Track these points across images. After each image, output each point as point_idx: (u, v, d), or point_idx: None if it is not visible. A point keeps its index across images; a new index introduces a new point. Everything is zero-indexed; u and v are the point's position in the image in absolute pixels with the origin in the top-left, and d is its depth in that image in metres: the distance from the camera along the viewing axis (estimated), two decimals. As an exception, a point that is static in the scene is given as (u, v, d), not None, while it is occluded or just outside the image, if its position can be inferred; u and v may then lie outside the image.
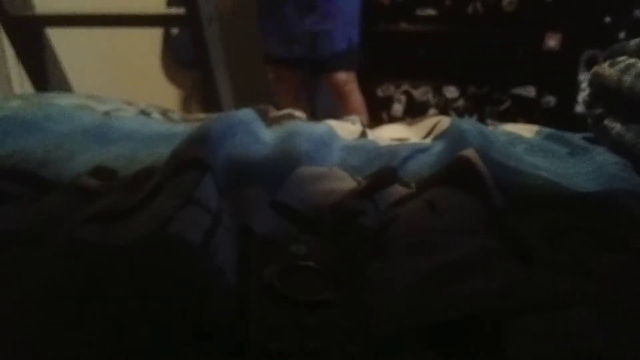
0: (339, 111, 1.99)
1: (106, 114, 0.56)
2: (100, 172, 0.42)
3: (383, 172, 0.44)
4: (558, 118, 2.14)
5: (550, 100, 2.25)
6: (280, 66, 2.00)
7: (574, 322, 0.24)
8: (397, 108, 2.41)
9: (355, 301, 0.28)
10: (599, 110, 0.54)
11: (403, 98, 2.40)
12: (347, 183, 0.42)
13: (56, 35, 1.10)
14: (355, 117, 0.67)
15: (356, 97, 2.00)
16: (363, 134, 0.59)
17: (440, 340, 0.25)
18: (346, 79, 1.95)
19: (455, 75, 2.33)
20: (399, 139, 0.56)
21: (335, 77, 1.95)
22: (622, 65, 0.51)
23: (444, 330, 0.25)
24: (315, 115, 2.12)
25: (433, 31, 2.29)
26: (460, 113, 2.32)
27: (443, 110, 2.33)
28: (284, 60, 1.96)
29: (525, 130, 0.57)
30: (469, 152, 0.40)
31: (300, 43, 1.85)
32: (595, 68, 0.57)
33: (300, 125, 0.54)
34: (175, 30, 2.24)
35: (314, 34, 1.83)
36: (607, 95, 0.53)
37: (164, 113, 0.66)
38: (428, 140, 0.55)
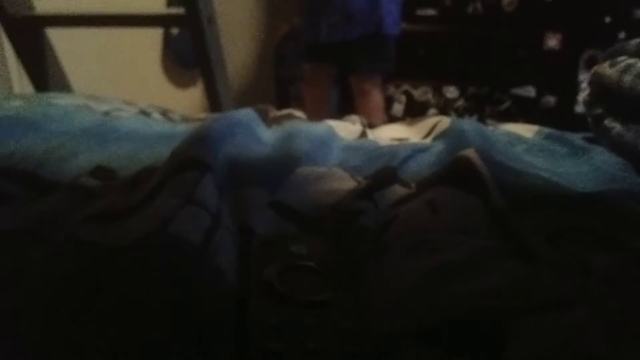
0: (359, 108, 2.03)
1: (106, 114, 0.56)
2: (100, 172, 0.42)
3: (383, 172, 0.44)
4: (558, 118, 2.14)
5: (550, 100, 2.25)
6: (318, 62, 2.05)
7: (574, 322, 0.24)
8: (397, 108, 2.41)
9: (355, 301, 0.28)
10: (599, 110, 0.54)
11: (403, 98, 2.41)
12: (347, 183, 0.42)
13: (56, 35, 1.10)
14: (355, 117, 0.67)
15: (378, 97, 2.04)
16: (363, 134, 0.59)
17: (440, 340, 0.25)
18: (375, 77, 2.00)
19: (455, 75, 2.34)
20: (399, 139, 0.56)
21: (365, 75, 1.98)
22: (622, 65, 0.51)
23: (444, 330, 0.25)
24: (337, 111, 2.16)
25: (433, 31, 2.29)
26: (460, 113, 2.32)
27: (443, 110, 2.33)
28: (324, 53, 1.99)
29: (525, 130, 0.57)
30: (469, 152, 0.40)
31: (357, 23, 1.88)
32: (595, 68, 0.57)
33: (300, 125, 0.54)
34: (175, 30, 2.25)
35: (373, 13, 1.87)
36: (607, 95, 0.53)
37: (164, 113, 0.66)
38: (428, 140, 0.55)
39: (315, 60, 2.06)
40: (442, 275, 0.28)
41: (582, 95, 0.61)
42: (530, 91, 2.26)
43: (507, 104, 2.30)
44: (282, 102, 2.37)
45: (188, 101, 2.35)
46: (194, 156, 0.37)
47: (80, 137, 0.47)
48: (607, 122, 0.51)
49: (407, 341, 0.25)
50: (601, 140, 0.52)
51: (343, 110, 2.15)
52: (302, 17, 2.06)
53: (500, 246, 0.31)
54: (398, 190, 0.41)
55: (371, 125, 0.66)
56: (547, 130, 0.56)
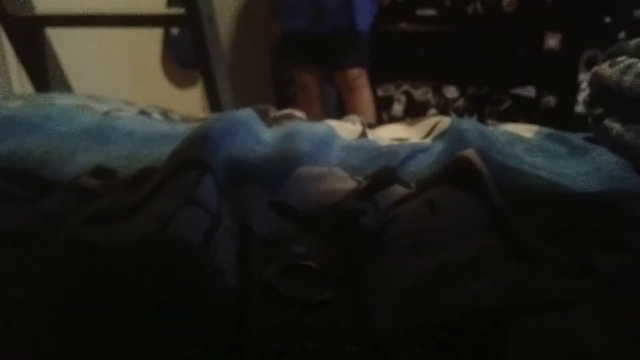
0: (348, 106, 2.04)
1: (106, 114, 0.56)
2: (100, 172, 0.42)
3: (383, 172, 0.44)
4: (558, 118, 2.14)
5: (550, 100, 2.25)
6: (303, 64, 2.08)
7: (574, 322, 0.24)
8: (397, 108, 2.41)
9: (355, 301, 0.28)
10: (599, 110, 0.54)
11: (403, 98, 2.40)
12: (347, 183, 0.42)
13: (56, 35, 1.10)
14: (355, 117, 0.67)
15: (366, 93, 2.05)
16: (363, 134, 0.59)
17: (440, 340, 0.25)
18: (358, 74, 2.00)
19: (455, 75, 2.33)
20: (399, 139, 0.56)
21: (348, 71, 1.99)
22: (622, 65, 0.51)
23: (444, 330, 0.25)
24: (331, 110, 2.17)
25: (433, 31, 2.29)
26: (460, 113, 2.32)
27: (443, 110, 2.33)
28: (305, 54, 2.01)
29: (525, 130, 0.57)
30: (469, 152, 0.40)
31: (329, 16, 1.91)
32: (595, 68, 0.57)
33: (300, 125, 0.54)
34: (175, 30, 2.25)
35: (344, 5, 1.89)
36: (607, 95, 0.53)
37: (164, 113, 0.66)
38: (428, 140, 0.55)
39: (300, 63, 2.09)
40: (442, 275, 0.28)
41: (582, 95, 0.61)
42: (530, 91, 2.26)
43: (507, 104, 2.30)
44: (282, 102, 2.37)
45: (188, 101, 2.34)
46: (194, 156, 0.37)
47: (81, 137, 0.47)
48: (607, 122, 0.51)
49: (407, 341, 0.25)
50: (601, 140, 0.52)
51: (342, 108, 2.15)
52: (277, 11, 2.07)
53: (500, 246, 0.31)
54: (398, 190, 0.41)
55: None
56: (547, 130, 0.56)
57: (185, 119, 0.65)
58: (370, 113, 2.02)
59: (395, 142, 0.54)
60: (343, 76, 2.03)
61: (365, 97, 2.05)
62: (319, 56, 2.02)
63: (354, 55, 1.98)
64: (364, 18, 1.95)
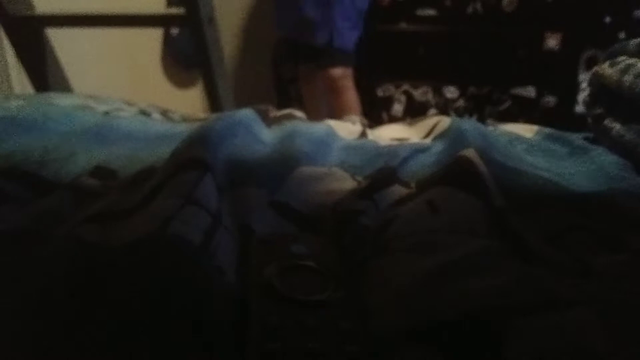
0: (332, 106, 2.01)
1: (106, 114, 0.56)
2: (100, 172, 0.42)
3: (383, 172, 0.44)
4: (558, 118, 2.14)
5: (550, 100, 2.25)
6: (303, 62, 2.06)
7: (574, 322, 0.24)
8: (397, 108, 2.41)
9: (355, 301, 0.28)
10: (599, 110, 0.54)
11: (403, 98, 2.40)
12: (347, 183, 0.42)
13: (56, 35, 1.10)
14: (355, 117, 0.67)
15: (351, 94, 2.01)
16: (363, 134, 0.59)
17: (440, 340, 0.25)
18: (341, 74, 1.96)
19: (455, 75, 2.33)
20: (399, 139, 0.56)
21: (331, 71, 1.96)
22: (622, 65, 0.51)
23: (444, 330, 0.25)
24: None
25: (433, 31, 2.29)
26: (460, 113, 2.32)
27: (443, 110, 2.33)
28: (301, 53, 1.98)
29: (525, 130, 0.57)
30: (469, 152, 0.40)
31: (310, 27, 1.88)
32: (595, 68, 0.57)
33: (300, 125, 0.54)
34: (175, 30, 2.25)
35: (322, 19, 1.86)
36: (607, 95, 0.53)
37: (164, 113, 0.66)
38: (428, 140, 0.55)
39: (301, 61, 2.07)
40: (442, 275, 0.28)
41: (582, 95, 0.61)
42: (530, 91, 2.26)
43: (507, 104, 2.30)
44: (282, 102, 2.37)
45: (188, 101, 2.35)
46: (193, 156, 0.37)
47: (80, 137, 0.47)
48: (607, 122, 0.51)
49: (407, 341, 0.25)
50: (601, 140, 0.52)
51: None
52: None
53: (500, 246, 0.31)
54: (398, 190, 0.41)
55: None
56: (547, 130, 0.56)
57: (185, 119, 0.65)
58: (355, 115, 1.99)
59: (395, 142, 0.54)
60: (325, 76, 1.97)
61: (349, 99, 1.98)
62: (307, 55, 1.98)
63: (336, 54, 1.92)
64: (346, 36, 1.89)
